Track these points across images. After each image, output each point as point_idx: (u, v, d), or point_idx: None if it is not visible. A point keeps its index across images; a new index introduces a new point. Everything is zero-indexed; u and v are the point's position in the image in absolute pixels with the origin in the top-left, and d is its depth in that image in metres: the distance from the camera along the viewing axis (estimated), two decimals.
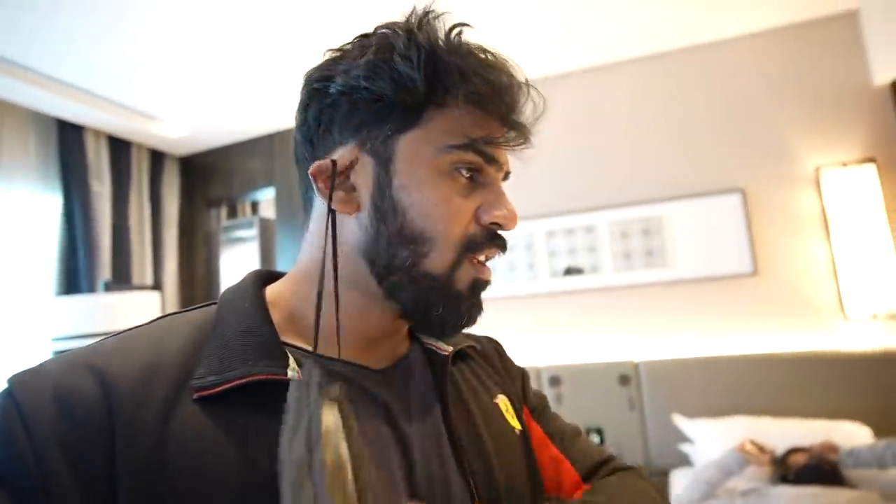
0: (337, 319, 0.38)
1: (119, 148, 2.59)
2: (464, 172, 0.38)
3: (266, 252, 2.85)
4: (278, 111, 2.53)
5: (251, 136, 2.83)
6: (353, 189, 0.39)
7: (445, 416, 0.42)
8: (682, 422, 1.89)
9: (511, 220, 0.40)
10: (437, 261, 0.38)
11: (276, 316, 0.39)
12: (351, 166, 0.39)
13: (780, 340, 1.98)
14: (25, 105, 2.16)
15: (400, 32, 0.37)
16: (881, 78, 1.92)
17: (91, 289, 2.31)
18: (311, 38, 1.92)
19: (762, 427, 1.73)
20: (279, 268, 2.63)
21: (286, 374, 0.34)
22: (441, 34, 0.38)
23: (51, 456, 0.29)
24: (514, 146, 0.40)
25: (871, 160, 1.92)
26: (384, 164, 0.38)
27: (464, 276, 0.39)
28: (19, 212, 2.15)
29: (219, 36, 1.86)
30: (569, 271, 2.29)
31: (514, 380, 0.52)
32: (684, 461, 1.89)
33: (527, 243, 2.34)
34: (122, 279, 2.49)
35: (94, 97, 2.19)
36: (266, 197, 3.02)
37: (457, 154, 0.37)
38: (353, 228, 0.39)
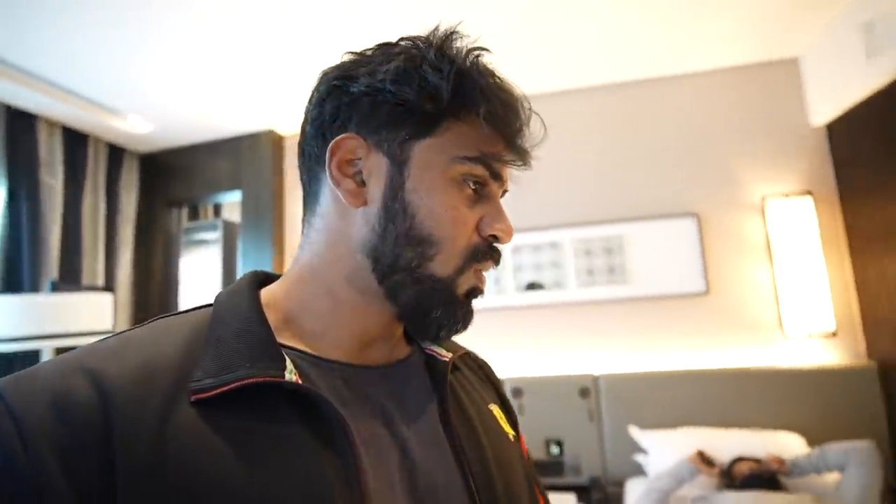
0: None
1: (75, 141, 2.45)
2: (471, 184, 0.40)
3: (229, 256, 2.76)
4: (247, 113, 2.48)
5: (218, 138, 2.76)
6: (363, 184, 0.40)
7: (445, 419, 0.42)
8: (637, 433, 1.98)
9: (509, 235, 0.42)
10: (442, 264, 0.39)
11: (271, 318, 0.39)
12: (365, 159, 0.40)
13: (727, 356, 2.11)
14: None
15: (429, 45, 0.40)
16: (818, 119, 2.12)
17: (35, 288, 2.17)
18: (285, 40, 1.91)
19: (709, 437, 1.83)
20: (241, 272, 2.54)
21: (283, 376, 0.34)
22: (464, 53, 0.40)
23: (45, 460, 0.29)
24: (517, 166, 0.43)
25: (809, 193, 2.11)
26: (399, 166, 0.39)
27: (465, 283, 0.41)
28: None
29: (189, 31, 1.81)
30: (531, 286, 2.36)
31: (499, 391, 0.54)
32: (638, 471, 1.97)
33: None
34: (70, 279, 2.34)
35: (50, 85, 2.08)
36: (231, 200, 2.94)
37: (468, 166, 0.39)
38: (359, 224, 0.40)
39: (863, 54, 1.79)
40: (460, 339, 0.49)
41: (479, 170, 0.40)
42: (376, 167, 0.40)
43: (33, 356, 2.14)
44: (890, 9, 1.69)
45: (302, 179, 0.44)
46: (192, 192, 2.82)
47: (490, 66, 0.42)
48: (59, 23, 1.70)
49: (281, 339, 0.38)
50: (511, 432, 0.48)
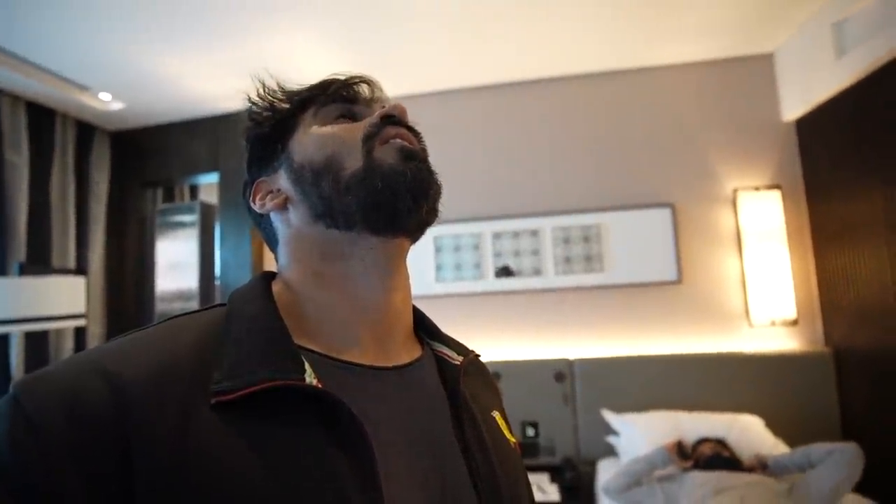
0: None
1: (40, 117, 2.35)
2: (337, 117, 0.46)
3: (206, 239, 2.71)
4: (225, 93, 2.42)
5: (194, 117, 2.68)
6: (279, 190, 0.46)
7: (456, 423, 0.43)
8: (609, 416, 2.06)
9: (395, 107, 0.45)
10: (350, 162, 0.42)
11: (287, 319, 0.40)
12: (272, 186, 0.47)
13: (697, 342, 2.21)
14: None
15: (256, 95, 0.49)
16: (789, 115, 2.19)
17: (2, 271, 2.10)
18: (264, 18, 1.86)
19: (678, 420, 1.92)
20: (219, 256, 2.49)
21: (304, 380, 0.35)
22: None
23: (62, 465, 0.29)
24: (356, 83, 0.48)
25: (777, 187, 2.19)
26: (287, 159, 0.46)
27: (384, 156, 0.42)
28: None
29: (161, 5, 1.75)
30: (503, 271, 2.39)
31: (499, 396, 0.55)
32: (610, 452, 2.06)
33: (474, 244, 2.42)
34: (39, 261, 2.27)
35: (14, 59, 1.98)
36: (208, 182, 2.88)
37: (323, 112, 0.46)
38: (295, 214, 0.45)
39: (833, 53, 1.85)
40: (437, 319, 0.51)
41: (333, 107, 0.46)
42: (276, 175, 0.47)
43: (3, 340, 2.08)
44: (860, 10, 1.75)
45: (263, 237, 0.51)
46: (168, 172, 2.74)
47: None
48: None
49: (297, 339, 0.39)
50: (512, 439, 0.49)
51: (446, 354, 0.48)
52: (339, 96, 0.47)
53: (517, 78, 2.45)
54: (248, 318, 0.39)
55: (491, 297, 2.40)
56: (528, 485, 0.49)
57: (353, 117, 0.46)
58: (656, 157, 2.34)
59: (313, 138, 0.45)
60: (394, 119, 0.44)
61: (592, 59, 2.30)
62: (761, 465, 1.57)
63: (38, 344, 2.23)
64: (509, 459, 0.45)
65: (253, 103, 0.49)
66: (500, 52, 2.19)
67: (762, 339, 2.16)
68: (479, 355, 0.53)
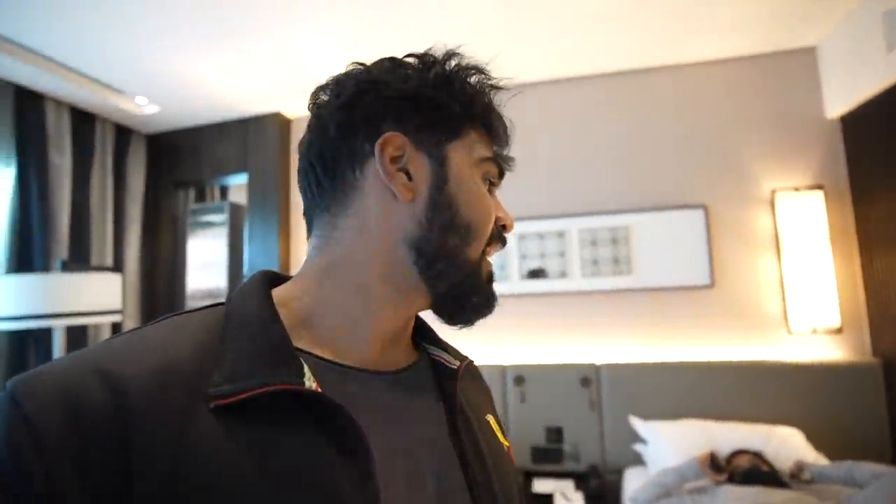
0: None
1: (82, 120, 2.46)
2: (487, 181, 0.46)
3: (235, 239, 2.78)
4: (254, 96, 2.47)
5: (225, 119, 2.75)
6: (410, 178, 0.42)
7: (452, 427, 0.43)
8: (637, 423, 2.00)
9: (512, 224, 0.48)
10: (475, 250, 0.43)
11: (286, 320, 0.39)
12: (408, 156, 0.42)
13: (731, 350, 2.12)
14: None
15: (447, 59, 0.44)
16: (833, 111, 2.08)
17: (45, 267, 2.20)
18: (293, 23, 1.89)
19: (709, 430, 1.85)
20: (247, 255, 2.54)
21: (303, 384, 0.35)
22: (471, 70, 0.46)
23: (61, 468, 0.28)
24: (507, 168, 0.48)
25: (820, 187, 2.08)
26: (440, 164, 0.42)
27: (486, 266, 0.45)
28: None
29: (196, 13, 1.79)
30: (533, 274, 2.36)
31: (492, 400, 0.56)
32: (637, 460, 2.00)
33: None
34: (79, 258, 2.37)
35: (58, 65, 2.07)
36: (237, 182, 2.94)
37: (487, 165, 0.45)
38: (404, 218, 0.41)
39: (883, 46, 1.74)
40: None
41: (494, 169, 0.46)
42: (419, 163, 0.42)
43: (46, 334, 2.18)
44: None
45: (313, 182, 0.44)
46: (199, 173, 2.82)
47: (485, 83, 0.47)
48: (67, 3, 1.69)
49: (296, 342, 0.38)
50: (506, 443, 0.50)
51: (444, 359, 0.48)
52: (499, 140, 0.46)
53: (543, 77, 2.41)
54: (247, 320, 0.38)
55: (516, 300, 2.37)
56: (520, 489, 0.49)
57: (493, 181, 0.47)
58: (688, 156, 2.26)
59: (472, 188, 0.43)
60: (503, 236, 0.47)
61: (621, 57, 2.24)
62: (798, 469, 1.48)
63: (77, 338, 2.33)
64: (503, 463, 0.46)
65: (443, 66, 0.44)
66: (527, 50, 2.15)
67: (802, 348, 2.05)
68: (471, 361, 0.53)
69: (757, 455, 1.62)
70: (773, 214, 2.12)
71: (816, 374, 1.95)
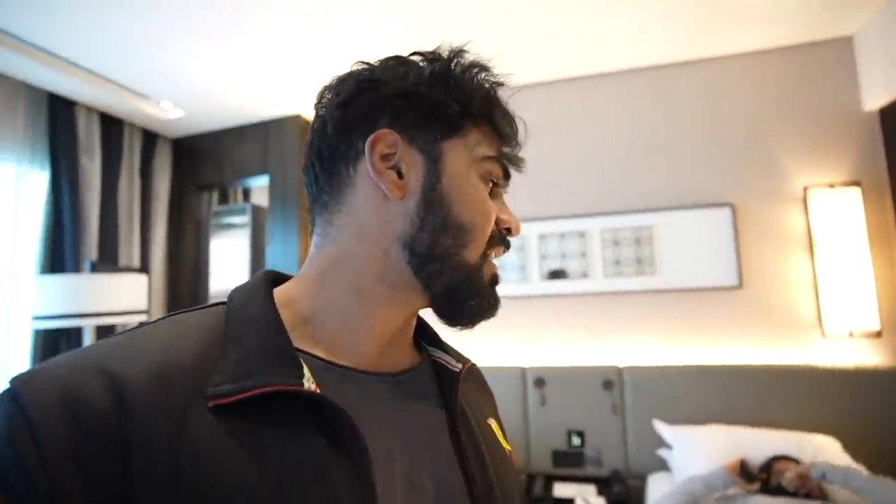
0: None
1: (111, 126, 2.53)
2: (490, 181, 0.44)
3: (257, 240, 2.82)
4: (274, 99, 2.50)
5: (245, 122, 2.79)
6: (401, 176, 0.41)
7: (453, 430, 0.43)
8: (661, 428, 1.94)
9: (518, 228, 0.46)
10: (472, 252, 0.42)
11: (287, 318, 0.39)
12: (401, 153, 0.41)
13: (760, 353, 2.04)
14: (18, 77, 2.10)
15: (452, 56, 0.43)
16: (871, 104, 1.98)
17: (76, 268, 2.27)
18: (312, 26, 1.90)
19: (738, 436, 1.78)
20: (269, 256, 2.57)
21: (302, 384, 0.34)
22: (477, 67, 0.44)
23: (62, 467, 0.28)
24: (516, 168, 0.47)
25: (857, 183, 1.98)
26: (434, 162, 0.41)
27: (487, 269, 0.44)
28: (3, 186, 2.09)
29: (219, 20, 1.83)
30: (554, 274, 2.32)
31: (494, 404, 0.55)
32: (662, 466, 1.94)
33: (519, 245, 2.36)
34: (108, 259, 2.44)
35: (88, 73, 2.14)
36: (259, 184, 2.99)
37: (489, 164, 0.43)
38: (396, 216, 0.41)
39: None
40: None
41: (497, 169, 0.44)
42: (412, 161, 0.41)
43: (77, 333, 2.25)
44: None
45: (313, 180, 0.44)
46: (222, 175, 2.88)
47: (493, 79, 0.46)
48: (96, 12, 1.74)
49: (296, 343, 0.38)
50: (507, 447, 0.49)
51: (445, 361, 0.47)
52: (506, 139, 0.44)
53: (565, 75, 2.37)
54: (247, 320, 0.38)
55: (536, 301, 2.33)
56: (522, 494, 0.49)
57: (497, 182, 0.45)
58: (714, 153, 2.18)
59: (467, 187, 0.41)
60: (507, 240, 0.46)
61: (647, 53, 2.19)
62: (802, 480, 1.37)
63: (105, 337, 2.39)
64: (504, 467, 0.46)
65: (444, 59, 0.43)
66: (548, 48, 2.12)
67: (838, 351, 1.96)
68: (473, 364, 0.53)
69: (796, 462, 1.54)
70: (806, 212, 2.04)
71: (853, 379, 1.86)
